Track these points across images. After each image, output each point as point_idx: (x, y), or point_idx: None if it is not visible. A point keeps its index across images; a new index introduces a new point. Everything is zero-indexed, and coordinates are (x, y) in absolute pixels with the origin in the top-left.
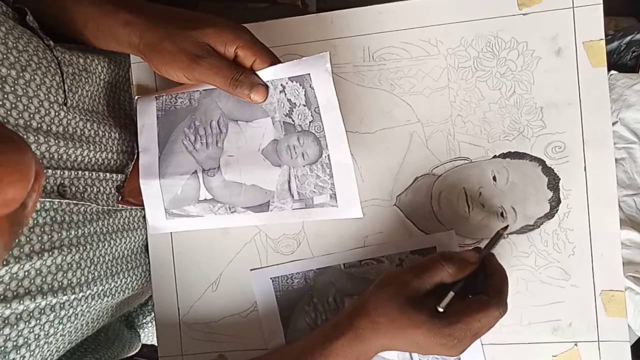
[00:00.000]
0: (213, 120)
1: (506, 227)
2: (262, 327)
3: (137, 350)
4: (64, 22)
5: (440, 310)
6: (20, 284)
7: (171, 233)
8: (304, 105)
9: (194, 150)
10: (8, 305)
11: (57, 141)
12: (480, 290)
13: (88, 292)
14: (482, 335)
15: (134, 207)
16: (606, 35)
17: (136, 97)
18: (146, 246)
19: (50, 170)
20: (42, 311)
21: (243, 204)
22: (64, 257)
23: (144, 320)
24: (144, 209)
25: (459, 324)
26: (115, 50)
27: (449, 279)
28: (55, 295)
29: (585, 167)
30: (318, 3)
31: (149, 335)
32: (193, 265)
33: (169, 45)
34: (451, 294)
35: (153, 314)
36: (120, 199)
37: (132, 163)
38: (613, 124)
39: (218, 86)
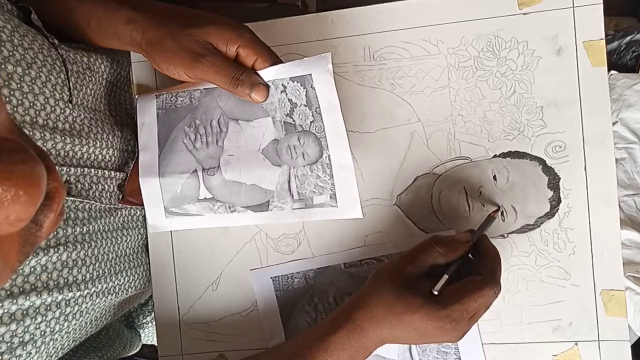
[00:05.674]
0: (213, 119)
1: (498, 210)
2: (262, 327)
3: (137, 350)
4: (67, 20)
5: (436, 293)
6: (26, 279)
7: (171, 232)
8: (305, 106)
9: (194, 149)
10: (14, 301)
11: (63, 138)
12: (474, 272)
13: (93, 290)
14: (479, 319)
15: (133, 207)
16: (606, 35)
17: (136, 96)
18: (147, 245)
19: (56, 167)
20: (48, 307)
21: (243, 203)
22: (69, 254)
23: (144, 320)
24: (143, 209)
25: (456, 304)
26: (117, 47)
27: (442, 259)
28: (61, 291)
29: (585, 166)
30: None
31: (149, 335)
32: (193, 265)
33: (171, 43)
34: (445, 276)
35: (153, 314)
36: (120, 197)
37: (133, 163)
38: (613, 124)
39: (219, 85)
